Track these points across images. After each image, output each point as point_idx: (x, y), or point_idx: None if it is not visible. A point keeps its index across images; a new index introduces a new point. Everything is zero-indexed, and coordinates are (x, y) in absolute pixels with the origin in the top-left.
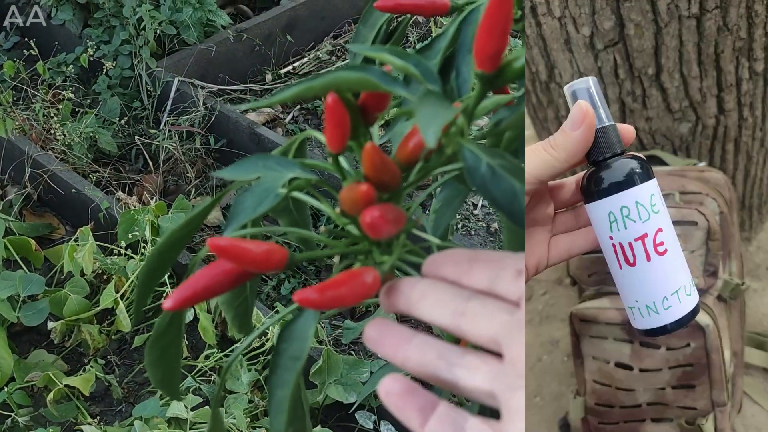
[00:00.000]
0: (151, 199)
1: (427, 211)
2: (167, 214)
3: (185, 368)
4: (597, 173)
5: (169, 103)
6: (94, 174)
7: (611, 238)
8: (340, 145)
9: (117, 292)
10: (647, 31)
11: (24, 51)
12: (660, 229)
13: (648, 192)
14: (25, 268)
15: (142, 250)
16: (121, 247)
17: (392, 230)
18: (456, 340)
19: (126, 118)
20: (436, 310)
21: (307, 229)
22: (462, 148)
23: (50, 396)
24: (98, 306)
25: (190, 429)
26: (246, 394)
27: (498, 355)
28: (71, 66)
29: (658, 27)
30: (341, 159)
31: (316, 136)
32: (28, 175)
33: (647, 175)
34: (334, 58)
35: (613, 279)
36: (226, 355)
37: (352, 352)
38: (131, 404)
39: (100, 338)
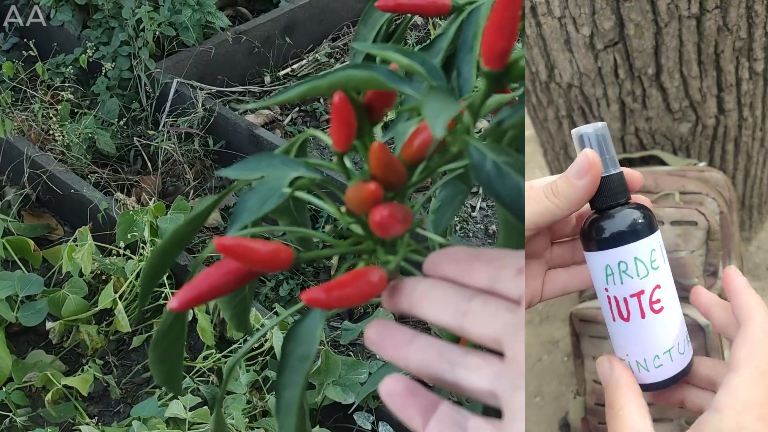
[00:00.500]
0: (150, 200)
1: (426, 212)
2: (166, 215)
3: (184, 369)
4: (598, 221)
5: (168, 104)
6: (92, 175)
7: (606, 290)
8: (347, 144)
9: (115, 292)
10: (647, 31)
11: (23, 52)
12: (658, 286)
13: (648, 247)
14: (23, 269)
15: (141, 250)
16: (119, 248)
17: (400, 229)
18: (456, 339)
19: (125, 119)
20: (439, 310)
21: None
22: (468, 145)
23: (48, 396)
24: (97, 306)
25: (189, 429)
26: (245, 394)
27: (499, 354)
28: (70, 67)
29: (658, 27)
30: (345, 158)
31: (318, 136)
32: (26, 175)
33: (649, 228)
34: (332, 60)
35: None
36: (225, 356)
37: (351, 353)
38: (129, 404)
39: (98, 338)
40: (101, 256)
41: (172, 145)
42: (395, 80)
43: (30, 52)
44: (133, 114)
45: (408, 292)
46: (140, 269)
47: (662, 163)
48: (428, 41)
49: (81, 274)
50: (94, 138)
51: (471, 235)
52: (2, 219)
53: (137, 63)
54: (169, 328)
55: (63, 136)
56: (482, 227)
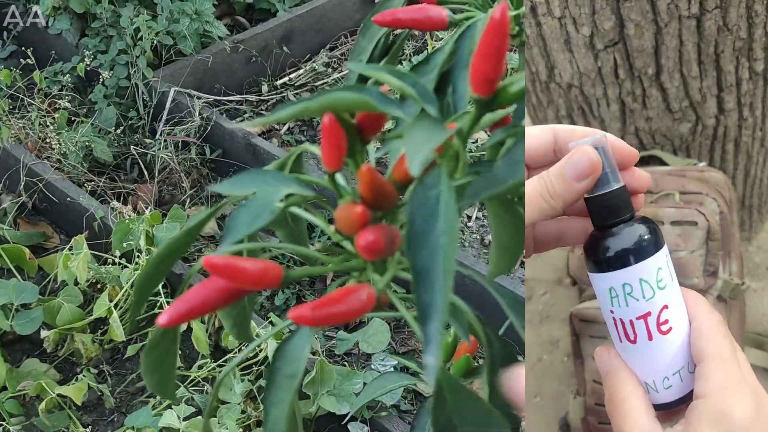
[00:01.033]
0: (146, 208)
1: None
2: (162, 223)
3: (178, 378)
4: (601, 240)
5: (165, 113)
6: (89, 183)
7: (612, 312)
8: (336, 164)
9: (111, 301)
10: (647, 31)
11: (20, 60)
12: (665, 306)
13: (654, 266)
14: (18, 277)
15: (137, 259)
16: (115, 257)
17: (387, 252)
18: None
19: (122, 127)
20: None
21: (303, 240)
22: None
23: (42, 405)
24: (92, 315)
25: None
26: (239, 404)
27: None
28: (68, 75)
29: (658, 27)
30: (338, 175)
31: (313, 151)
32: (23, 183)
33: (655, 246)
34: (330, 69)
35: None
36: (220, 366)
37: (345, 363)
38: (123, 414)
39: (93, 347)
40: (97, 264)
41: (169, 154)
42: (385, 103)
43: (28, 60)
44: (130, 122)
45: None
46: (135, 278)
47: (662, 163)
48: (425, 54)
49: (76, 283)
50: (91, 146)
51: (467, 245)
52: None
53: (135, 72)
54: (161, 336)
55: (60, 144)
56: (478, 237)
